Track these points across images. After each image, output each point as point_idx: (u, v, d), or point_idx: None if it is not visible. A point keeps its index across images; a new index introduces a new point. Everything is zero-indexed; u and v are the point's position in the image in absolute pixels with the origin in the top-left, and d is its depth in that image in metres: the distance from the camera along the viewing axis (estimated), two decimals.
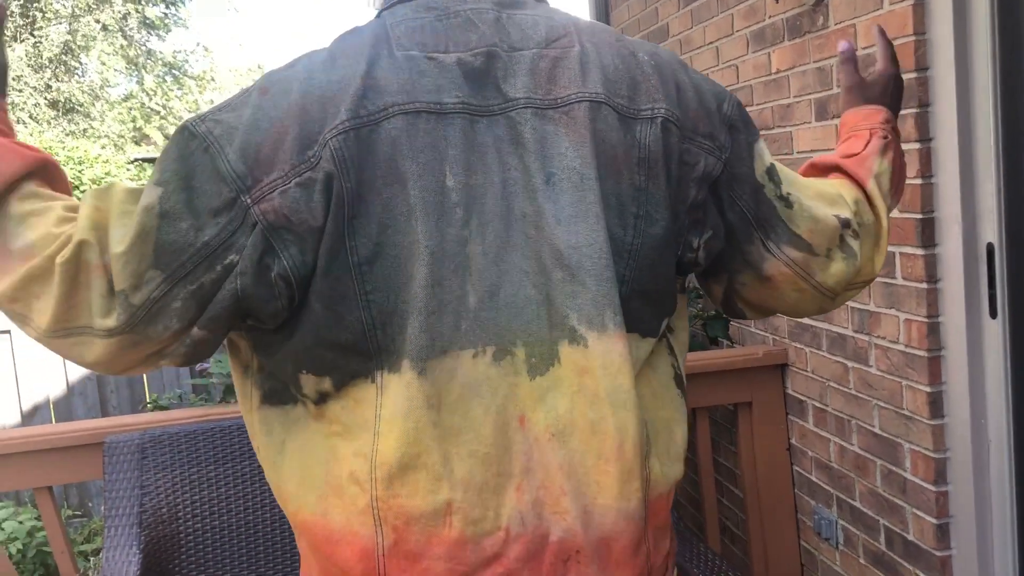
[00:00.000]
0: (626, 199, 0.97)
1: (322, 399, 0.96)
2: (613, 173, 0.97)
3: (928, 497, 2.09)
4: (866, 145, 1.23)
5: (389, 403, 0.91)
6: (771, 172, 1.08)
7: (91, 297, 0.92)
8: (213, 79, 22.47)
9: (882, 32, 1.37)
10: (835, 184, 1.18)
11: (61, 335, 0.94)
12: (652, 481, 0.99)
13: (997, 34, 1.87)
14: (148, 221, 0.91)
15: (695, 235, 1.03)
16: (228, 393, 2.68)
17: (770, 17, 2.59)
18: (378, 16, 1.01)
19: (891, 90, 1.31)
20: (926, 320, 2.04)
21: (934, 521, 2.08)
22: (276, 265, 0.91)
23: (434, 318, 0.91)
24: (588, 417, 0.94)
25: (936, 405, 2.06)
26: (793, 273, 1.09)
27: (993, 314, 1.94)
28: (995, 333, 1.95)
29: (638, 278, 0.98)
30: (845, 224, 1.11)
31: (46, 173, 1.01)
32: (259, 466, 2.27)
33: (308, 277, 0.92)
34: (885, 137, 1.24)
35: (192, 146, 0.93)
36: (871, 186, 1.18)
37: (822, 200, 1.12)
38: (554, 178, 0.95)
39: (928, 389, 2.06)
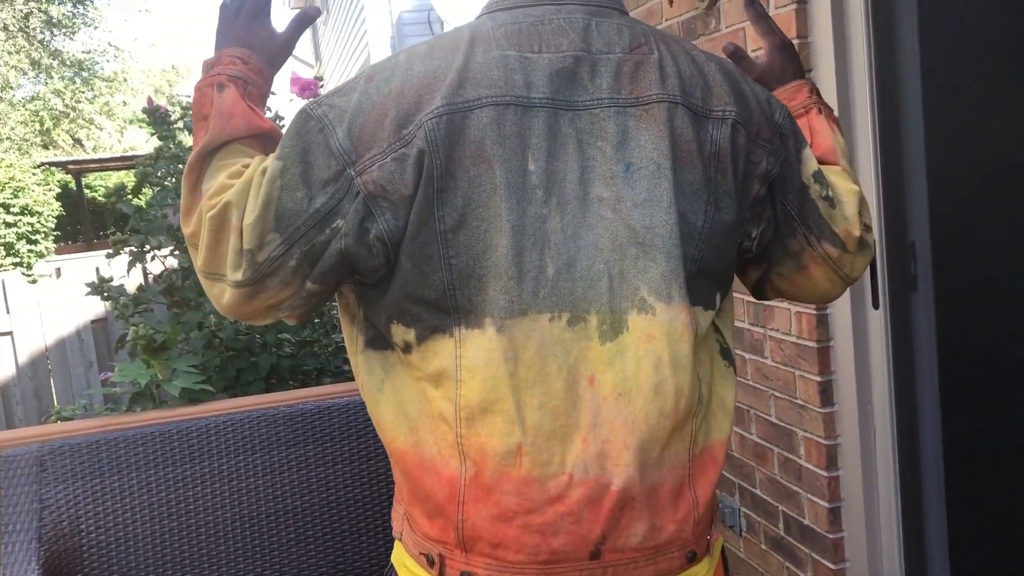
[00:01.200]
0: (699, 188, 1.10)
1: (407, 348, 1.10)
2: (688, 165, 1.09)
3: (821, 482, 2.18)
4: (812, 132, 1.30)
5: (469, 354, 1.05)
6: (817, 175, 1.20)
7: (227, 251, 1.10)
8: (126, 79, 21.87)
9: (751, 4, 1.38)
10: (840, 173, 1.28)
11: (207, 276, 1.14)
12: (701, 436, 1.12)
13: (872, 36, 1.96)
14: (272, 191, 1.07)
15: (754, 226, 1.17)
16: (134, 402, 2.63)
17: (666, 20, 2.66)
18: (478, 18, 1.15)
19: (789, 57, 1.36)
20: (815, 313, 2.13)
21: (826, 505, 2.17)
22: (374, 228, 1.05)
23: (513, 283, 1.04)
24: (652, 379, 1.06)
25: (826, 394, 2.15)
26: (827, 267, 1.23)
27: (876, 305, 2.03)
28: (878, 324, 2.04)
29: (706, 258, 1.11)
30: (867, 228, 1.25)
31: (264, 138, 1.21)
32: (166, 475, 2.24)
33: (400, 239, 1.06)
34: (820, 110, 1.32)
35: (309, 125, 1.08)
36: (845, 165, 1.28)
37: (853, 200, 1.24)
38: (633, 167, 1.07)
39: (819, 379, 2.14)
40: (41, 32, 16.56)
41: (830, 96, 2.01)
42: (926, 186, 2.02)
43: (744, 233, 1.16)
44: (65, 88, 17.93)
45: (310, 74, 3.10)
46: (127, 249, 2.76)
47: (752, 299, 2.36)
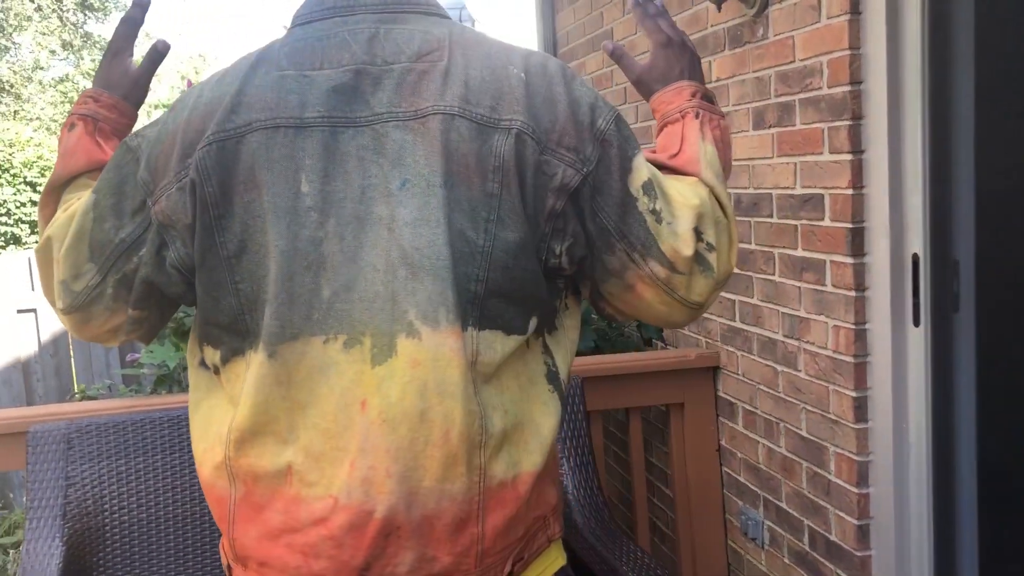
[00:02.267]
0: (478, 204, 1.04)
1: (216, 369, 1.13)
2: (464, 180, 1.04)
3: (850, 499, 2.15)
4: (682, 139, 1.21)
5: (249, 378, 1.06)
6: (647, 186, 1.11)
7: (53, 282, 1.17)
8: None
9: (638, 4, 1.30)
10: (690, 184, 1.17)
11: (51, 304, 1.20)
12: (500, 468, 1.06)
13: (927, 51, 1.93)
14: (84, 223, 1.13)
15: (557, 242, 1.09)
16: (159, 384, 2.63)
17: (712, 26, 2.64)
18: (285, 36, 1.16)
19: (676, 56, 1.26)
20: (853, 327, 2.10)
21: (855, 522, 2.14)
22: (168, 256, 1.11)
23: (284, 308, 1.04)
24: (417, 406, 1.02)
25: (861, 410, 2.12)
26: (658, 288, 1.13)
27: (916, 322, 2.01)
28: (918, 341, 2.01)
29: (494, 279, 1.05)
30: (709, 247, 1.14)
31: (99, 169, 1.24)
32: (189, 458, 2.23)
33: (191, 266, 1.10)
34: (698, 115, 1.22)
35: (127, 158, 1.13)
36: (708, 177, 1.17)
37: (689, 216, 1.13)
38: (407, 184, 1.03)
39: (854, 394, 2.12)
40: (74, 14, 16.68)
41: (880, 111, 1.99)
42: (974, 204, 1.99)
43: (548, 250, 1.09)
44: (94, 70, 18.04)
45: None
46: None
47: (787, 310, 2.34)
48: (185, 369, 2.63)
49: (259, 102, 1.06)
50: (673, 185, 1.14)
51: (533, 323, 1.10)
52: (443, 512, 1.04)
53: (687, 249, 1.11)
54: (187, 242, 1.08)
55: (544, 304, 1.13)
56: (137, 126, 1.26)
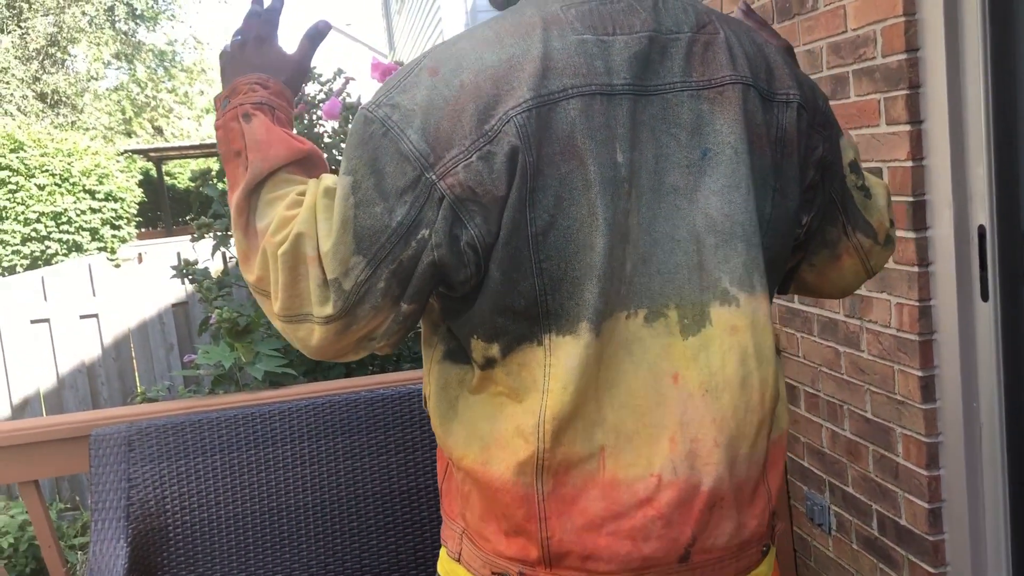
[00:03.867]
0: (768, 174, 1.06)
1: (488, 364, 1.04)
2: (758, 149, 1.05)
3: (920, 481, 2.09)
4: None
5: (560, 362, 0.99)
6: (853, 165, 1.19)
7: (309, 286, 1.00)
8: (204, 71, 22.35)
9: (749, 13, 1.31)
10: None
11: (288, 320, 1.04)
12: (775, 428, 1.10)
13: (988, 14, 1.85)
14: (346, 210, 0.99)
15: (805, 213, 1.14)
16: (216, 384, 2.65)
17: (760, 0, 2.57)
18: None
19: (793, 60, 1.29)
20: (917, 304, 2.03)
21: (926, 505, 2.07)
22: (464, 235, 0.97)
23: (607, 283, 0.98)
24: (738, 373, 1.02)
25: (928, 389, 2.05)
26: (858, 258, 1.22)
27: (985, 297, 1.93)
28: (987, 316, 1.93)
29: (773, 246, 1.08)
30: (892, 223, 1.26)
31: (306, 162, 1.12)
32: (247, 457, 2.25)
33: (491, 245, 0.98)
34: None
35: (371, 130, 0.99)
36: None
37: (884, 193, 1.24)
38: (709, 153, 1.03)
39: (920, 373, 2.05)
40: (125, 23, 17.00)
41: (939, 78, 1.91)
42: None
43: (798, 221, 1.13)
44: (148, 78, 18.38)
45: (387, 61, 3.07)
46: (211, 233, 2.78)
47: None
48: (242, 369, 2.64)
49: (569, 67, 0.99)
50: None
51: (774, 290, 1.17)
52: (751, 477, 1.05)
53: (887, 222, 1.22)
54: (491, 217, 0.97)
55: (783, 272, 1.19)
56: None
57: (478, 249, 0.98)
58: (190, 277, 2.74)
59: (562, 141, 0.97)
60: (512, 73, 0.97)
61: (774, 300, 2.69)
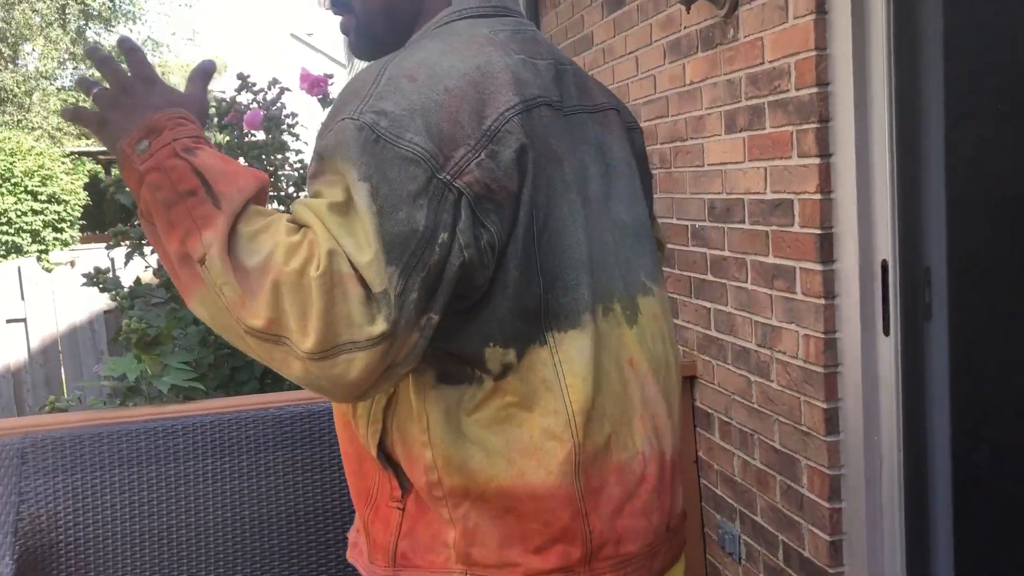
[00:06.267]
0: (644, 184, 1.26)
1: (504, 372, 1.01)
2: (638, 164, 1.26)
3: (823, 514, 2.09)
4: None
5: (570, 356, 1.03)
6: None
7: (350, 309, 0.90)
8: (163, 73, 22.07)
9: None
10: None
11: (324, 356, 0.90)
12: None
13: (893, 51, 1.87)
14: (372, 218, 0.91)
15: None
16: (128, 397, 2.58)
17: (685, 28, 2.58)
18: (448, 23, 1.11)
19: None
20: (823, 336, 2.04)
21: (827, 538, 2.07)
22: (484, 234, 0.97)
23: (592, 278, 1.07)
24: (664, 354, 1.16)
25: (832, 422, 2.05)
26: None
27: (887, 332, 1.94)
28: (888, 351, 1.95)
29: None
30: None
31: (264, 191, 1.02)
32: (148, 474, 2.18)
33: (505, 244, 0.99)
34: None
35: (366, 136, 0.93)
36: None
37: None
38: (611, 168, 1.16)
39: (824, 405, 2.05)
40: (75, 22, 16.72)
41: (847, 112, 1.93)
42: (944, 210, 1.92)
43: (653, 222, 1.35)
44: (101, 80, 18.10)
45: (332, 75, 3.03)
46: (126, 242, 2.71)
47: (760, 319, 2.28)
48: (150, 383, 2.57)
49: (526, 79, 1.05)
50: None
51: None
52: (680, 446, 1.17)
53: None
54: (505, 215, 0.97)
55: None
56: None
57: (495, 248, 0.98)
58: (101, 287, 2.67)
59: (546, 143, 1.04)
60: (488, 80, 1.01)
61: (694, 328, 2.70)
